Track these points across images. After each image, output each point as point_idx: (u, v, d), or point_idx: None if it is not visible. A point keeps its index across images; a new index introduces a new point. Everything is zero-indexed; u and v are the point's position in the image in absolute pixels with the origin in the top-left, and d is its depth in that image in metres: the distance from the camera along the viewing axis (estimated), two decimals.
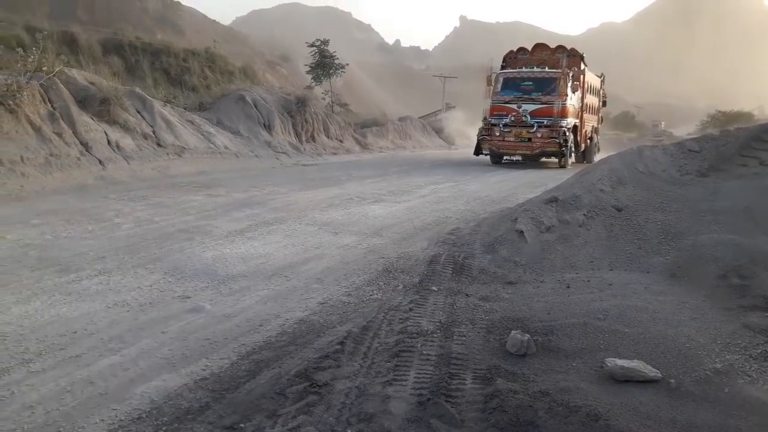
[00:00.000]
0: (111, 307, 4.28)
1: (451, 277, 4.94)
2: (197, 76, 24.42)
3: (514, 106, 18.39)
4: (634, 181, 6.80)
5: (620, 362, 3.13)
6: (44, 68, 11.68)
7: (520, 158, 18.88)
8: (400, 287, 4.73)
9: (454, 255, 5.62)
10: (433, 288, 4.62)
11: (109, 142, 12.13)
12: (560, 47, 20.40)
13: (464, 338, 3.59)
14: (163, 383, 3.14)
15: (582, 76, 19.85)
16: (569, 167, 17.68)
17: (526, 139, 17.99)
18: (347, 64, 29.07)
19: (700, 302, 4.17)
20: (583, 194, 6.28)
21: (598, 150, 23.56)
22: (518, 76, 18.90)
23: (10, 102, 10.49)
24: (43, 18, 35.06)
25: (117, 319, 4.06)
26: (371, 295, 4.55)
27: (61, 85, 12.03)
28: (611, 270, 5.12)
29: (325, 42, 28.06)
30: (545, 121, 17.88)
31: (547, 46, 20.55)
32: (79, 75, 13.41)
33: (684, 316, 3.87)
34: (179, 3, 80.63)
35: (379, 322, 3.90)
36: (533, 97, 18.26)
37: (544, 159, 18.91)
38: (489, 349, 3.45)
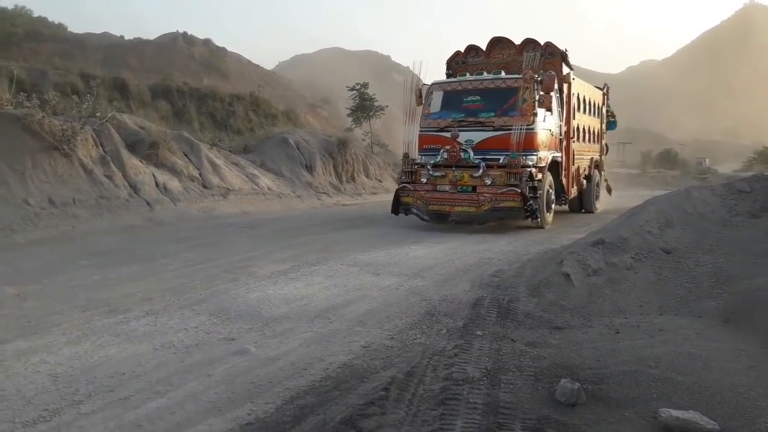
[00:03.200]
0: (158, 349, 4.34)
1: (495, 321, 4.86)
2: (242, 120, 25.09)
3: (448, 135, 11.11)
4: (683, 222, 6.63)
5: (675, 413, 3.00)
6: (97, 114, 12.19)
7: (458, 216, 11.61)
8: (444, 331, 4.67)
9: (499, 298, 5.54)
10: (478, 332, 4.55)
11: (156, 185, 12.48)
12: (529, 41, 12.57)
13: (512, 386, 3.50)
14: (209, 428, 3.15)
15: (566, 86, 12.48)
16: (548, 225, 11.33)
17: (468, 188, 10.73)
18: (386, 106, 29.48)
19: (757, 349, 3.99)
20: (630, 236, 6.15)
21: (609, 191, 17.10)
22: (459, 87, 11.56)
23: (65, 146, 10.95)
24: (96, 65, 36.72)
25: (164, 361, 4.11)
26: (414, 339, 4.50)
27: (113, 130, 12.51)
28: (661, 315, 4.96)
29: (365, 85, 28.59)
30: (500, 158, 10.67)
31: (510, 42, 12.91)
32: (129, 120, 13.92)
33: (740, 365, 3.71)
34: (224, 49, 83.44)
35: (423, 367, 3.84)
36: (481, 119, 10.98)
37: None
38: (538, 398, 3.35)
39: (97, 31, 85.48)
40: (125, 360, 4.12)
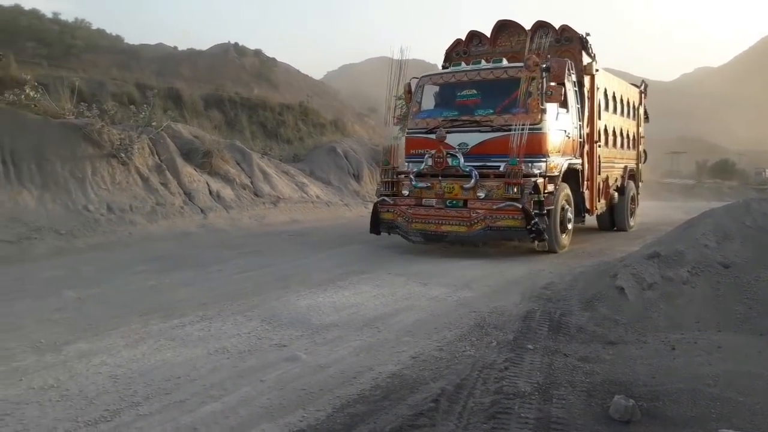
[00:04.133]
0: (212, 354, 4.44)
1: (547, 335, 4.80)
2: (291, 129, 25.44)
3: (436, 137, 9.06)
4: (742, 236, 6.41)
5: None
6: (154, 123, 12.59)
7: (447, 237, 9.04)
8: (494, 344, 4.63)
9: (550, 311, 5.47)
10: (529, 346, 4.50)
11: (210, 192, 12.80)
12: (541, 25, 10.32)
13: (564, 401, 3.45)
14: None
15: (587, 79, 10.22)
16: (564, 249, 9.30)
17: (459, 203, 8.77)
18: None
19: None
20: (686, 250, 5.98)
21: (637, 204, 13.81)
22: (453, 79, 9.62)
23: (123, 155, 11.34)
24: (151, 75, 37.85)
25: (218, 365, 4.21)
26: (464, 351, 4.48)
27: (168, 139, 12.89)
28: (719, 331, 4.81)
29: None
30: (501, 165, 8.61)
31: (519, 27, 10.67)
32: (184, 129, 14.32)
33: None
34: (274, 59, 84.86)
35: (473, 380, 3.82)
36: (478, 117, 9.02)
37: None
38: (591, 414, 3.30)
39: (152, 42, 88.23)
40: (181, 364, 4.23)
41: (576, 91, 9.74)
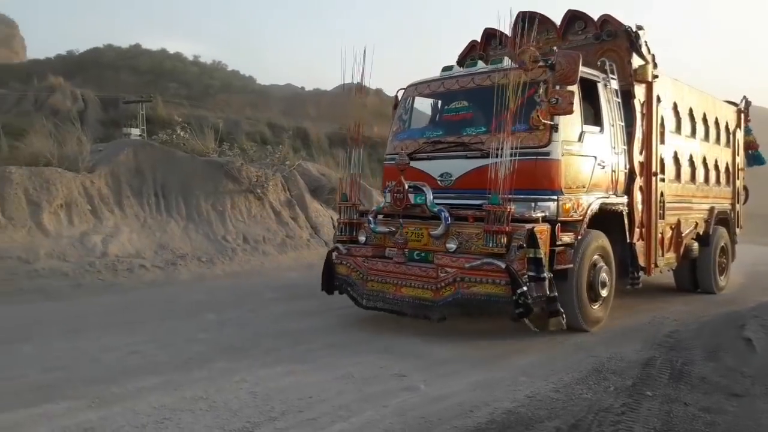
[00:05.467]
0: (338, 378, 4.82)
1: (667, 382, 4.73)
2: None
3: (420, 166, 6.85)
4: None
5: None
6: (287, 161, 13.60)
7: (406, 304, 6.32)
8: (612, 389, 4.64)
9: (672, 359, 5.36)
10: (648, 393, 4.48)
11: (334, 227, 13.51)
12: (576, 16, 7.81)
13: None
14: None
15: (639, 88, 7.53)
16: (596, 328, 6.64)
17: (428, 256, 6.28)
18: None
19: None
20: None
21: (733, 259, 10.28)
22: (441, 88, 7.22)
23: (259, 190, 12.33)
24: (279, 115, 40.36)
25: (344, 389, 4.57)
26: (580, 394, 4.53)
27: (298, 176, 13.84)
28: None
29: None
30: (482, 203, 5.87)
31: (548, 21, 7.92)
32: (312, 167, 15.29)
33: None
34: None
35: (588, 422, 3.89)
36: (465, 138, 6.65)
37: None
38: None
39: (281, 82, 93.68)
40: (311, 385, 4.63)
41: (619, 103, 7.00)
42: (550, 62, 6.10)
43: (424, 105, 7.73)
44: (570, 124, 6.28)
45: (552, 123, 6.05)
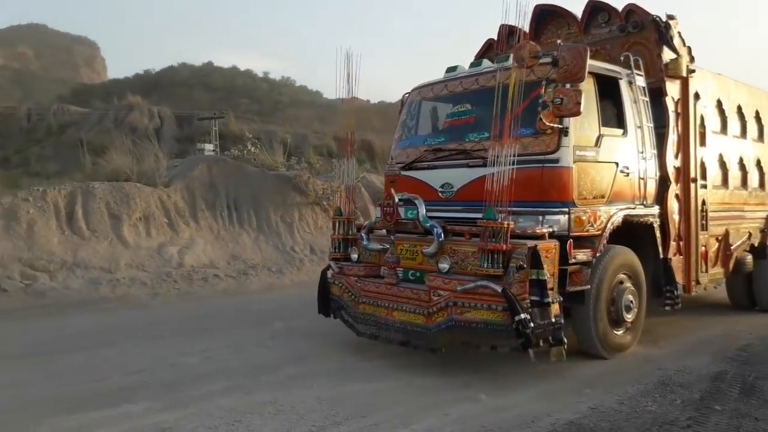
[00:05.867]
0: (401, 387, 4.93)
1: (738, 397, 4.60)
2: None
3: (420, 176, 6.26)
4: None
5: None
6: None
7: (397, 330, 5.57)
8: (678, 402, 4.56)
9: (744, 374, 5.20)
10: (716, 407, 4.37)
11: None
12: (598, 6, 7.02)
13: None
14: None
15: (673, 84, 6.64)
16: (622, 352, 5.93)
17: (418, 276, 5.70)
18: None
19: None
20: None
21: None
22: (445, 90, 6.48)
23: (324, 203, 12.66)
24: (346, 128, 41.00)
25: (406, 397, 4.68)
26: (645, 407, 4.47)
27: (363, 188, 14.08)
28: None
29: None
30: (497, 218, 4.94)
31: (569, 14, 7.36)
32: (376, 179, 15.50)
33: None
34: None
35: None
36: (467, 144, 5.95)
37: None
38: None
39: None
40: (373, 392, 4.77)
41: (647, 102, 6.26)
42: (553, 58, 5.27)
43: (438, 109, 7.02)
44: (584, 127, 5.60)
45: (561, 126, 5.33)
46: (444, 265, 5.26)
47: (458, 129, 6.20)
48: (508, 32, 7.30)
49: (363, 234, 6.16)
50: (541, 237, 5.09)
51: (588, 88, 5.47)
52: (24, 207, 10.17)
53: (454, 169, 5.94)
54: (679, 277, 6.50)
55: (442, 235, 5.38)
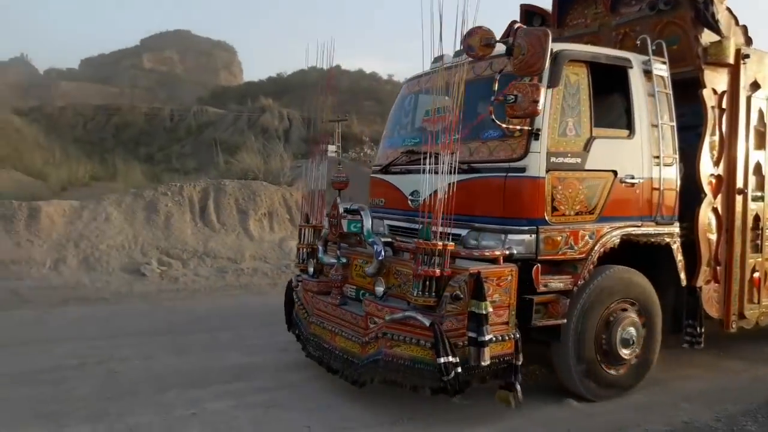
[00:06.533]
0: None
1: None
2: None
3: (396, 182, 5.50)
4: None
5: None
6: None
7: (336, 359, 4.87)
8: None
9: None
10: None
11: None
12: None
13: None
14: None
15: (718, 72, 5.47)
16: (606, 399, 4.85)
17: (366, 295, 4.84)
18: None
19: None
20: None
21: None
22: (429, 84, 5.29)
23: None
24: None
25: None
26: (743, 426, 4.33)
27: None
28: None
29: None
30: (463, 233, 4.68)
31: None
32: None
33: None
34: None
35: None
36: (436, 147, 4.42)
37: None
38: None
39: None
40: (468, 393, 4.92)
41: (668, 95, 5.19)
42: (508, 46, 4.27)
43: None
44: (567, 128, 4.64)
45: (530, 128, 4.42)
46: (379, 289, 4.61)
47: (432, 130, 4.84)
48: (525, 14, 6.71)
49: (320, 245, 5.53)
50: (491, 260, 4.26)
51: (577, 81, 4.67)
52: (163, 200, 11.31)
53: (422, 175, 4.59)
54: (712, 310, 5.46)
55: (382, 254, 4.71)
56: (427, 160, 4.33)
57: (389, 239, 4.92)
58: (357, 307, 4.79)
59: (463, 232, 4.62)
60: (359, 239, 5.02)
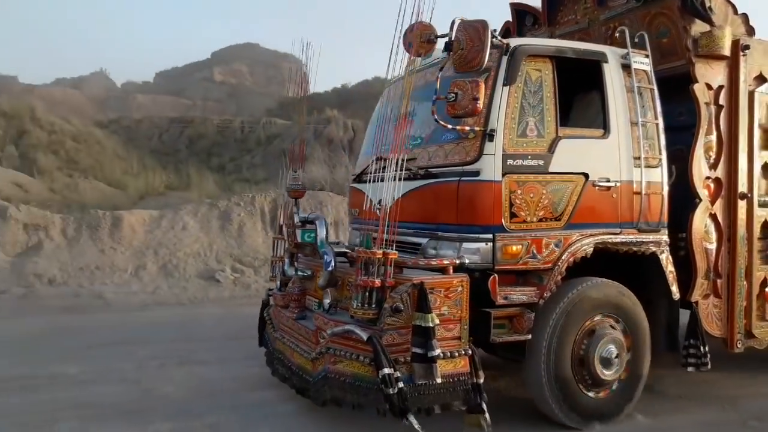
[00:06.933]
0: None
1: None
2: None
3: (366, 189, 4.75)
4: None
5: None
6: None
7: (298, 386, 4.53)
8: None
9: None
10: None
11: None
12: None
13: None
14: None
15: (715, 65, 4.96)
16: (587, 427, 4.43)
17: (321, 308, 4.55)
18: None
19: None
20: None
21: None
22: (401, 87, 4.37)
23: None
24: None
25: None
26: None
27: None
28: None
29: None
30: (422, 242, 4.57)
31: None
32: None
33: None
34: None
35: None
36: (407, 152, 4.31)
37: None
38: None
39: None
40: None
41: (653, 90, 4.73)
42: (448, 40, 4.05)
43: None
44: (528, 127, 4.30)
45: (484, 129, 4.14)
46: (326, 301, 4.39)
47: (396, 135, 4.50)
48: (516, 12, 6.41)
49: (286, 257, 5.20)
50: (439, 270, 3.96)
51: (540, 77, 4.33)
52: (236, 210, 11.83)
53: (380, 183, 4.34)
54: (713, 328, 4.96)
55: (332, 264, 4.42)
56: (390, 167, 4.04)
57: (344, 250, 4.63)
58: (305, 322, 4.63)
59: (425, 241, 4.45)
60: (314, 250, 4.82)
